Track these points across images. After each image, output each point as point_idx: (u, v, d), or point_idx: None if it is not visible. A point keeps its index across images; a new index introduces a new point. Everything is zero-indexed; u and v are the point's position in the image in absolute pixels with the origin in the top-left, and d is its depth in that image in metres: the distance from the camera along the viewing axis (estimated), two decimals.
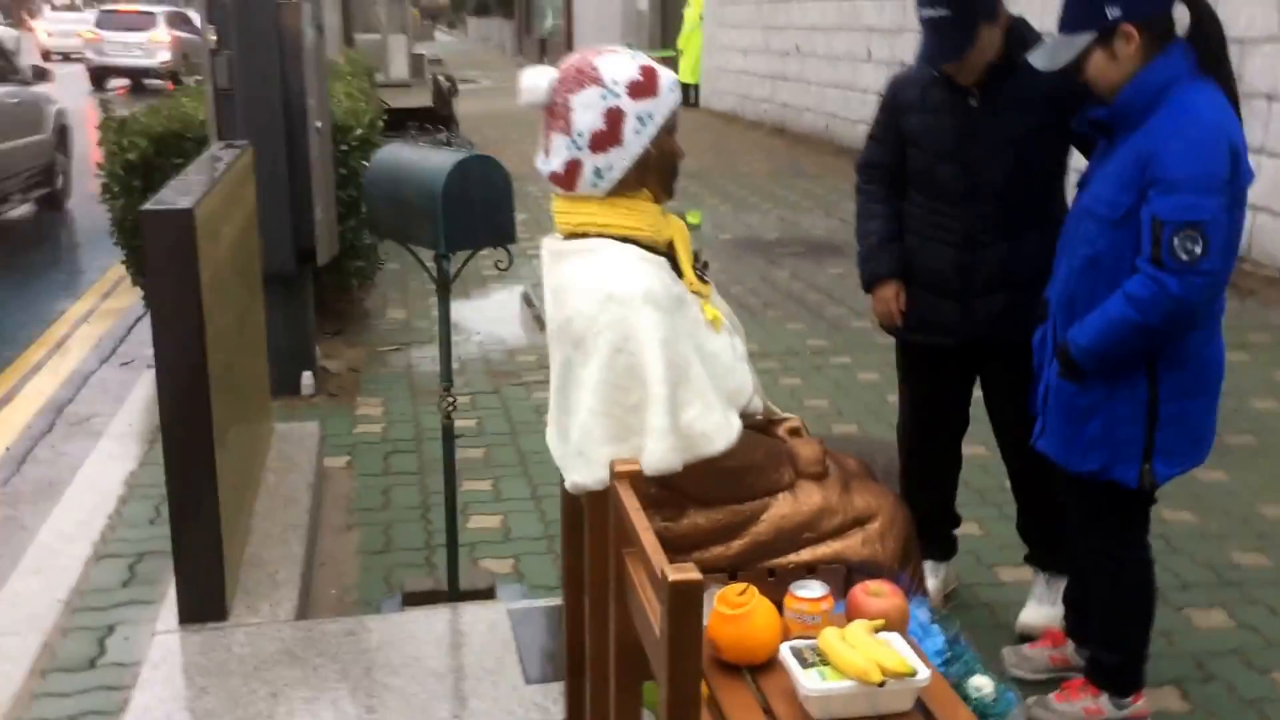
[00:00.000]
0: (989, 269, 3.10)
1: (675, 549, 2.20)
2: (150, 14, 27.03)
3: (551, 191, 2.35)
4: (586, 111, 2.22)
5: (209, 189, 3.40)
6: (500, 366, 5.97)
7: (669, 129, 2.29)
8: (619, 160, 2.24)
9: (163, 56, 25.46)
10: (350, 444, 4.96)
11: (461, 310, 7.01)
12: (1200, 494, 4.25)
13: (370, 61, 13.60)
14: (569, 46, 32.32)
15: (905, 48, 12.40)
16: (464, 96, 17.29)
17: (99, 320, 7.37)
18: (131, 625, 3.54)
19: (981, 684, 2.11)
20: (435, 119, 14.21)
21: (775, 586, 2.15)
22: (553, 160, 2.29)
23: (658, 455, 2.15)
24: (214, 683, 2.95)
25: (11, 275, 8.59)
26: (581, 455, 2.21)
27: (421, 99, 15.22)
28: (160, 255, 3.11)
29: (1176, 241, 2.46)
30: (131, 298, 7.72)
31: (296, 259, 5.32)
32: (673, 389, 2.17)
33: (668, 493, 2.26)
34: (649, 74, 2.26)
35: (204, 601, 3.25)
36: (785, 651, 1.87)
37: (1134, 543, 2.83)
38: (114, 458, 4.95)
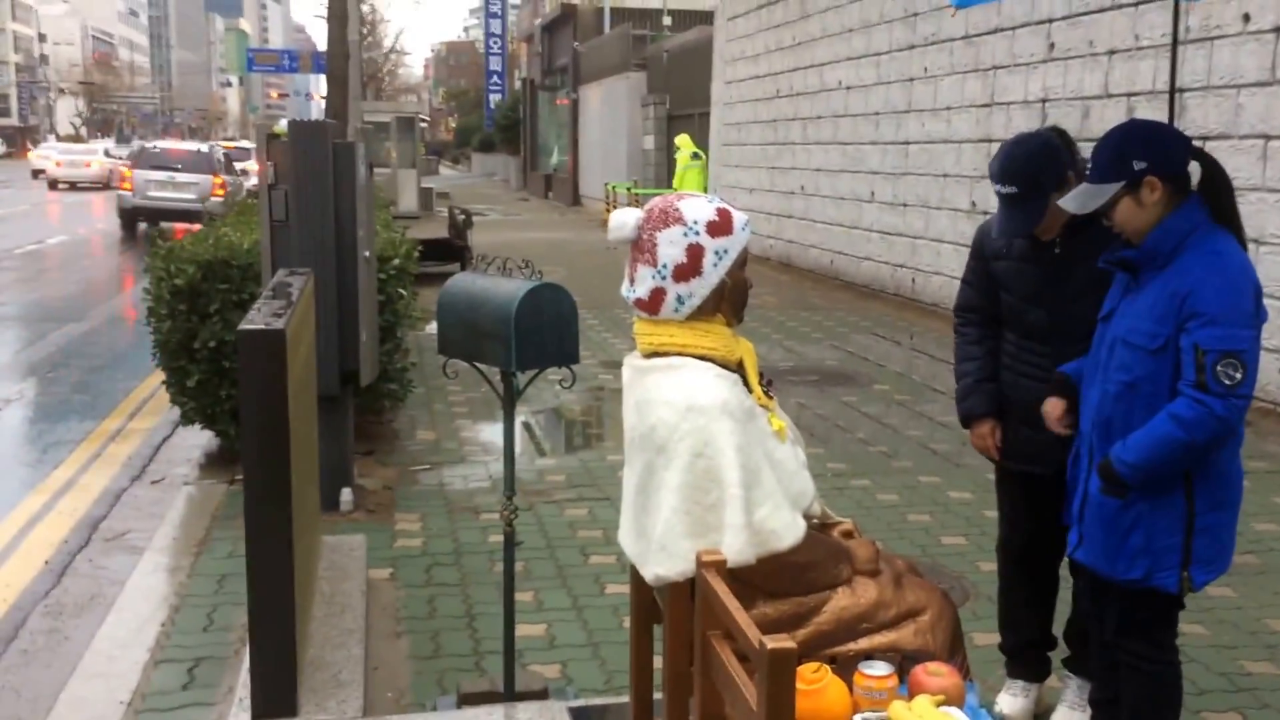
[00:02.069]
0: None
1: None
2: (203, 153, 24.79)
3: (636, 316, 2.65)
4: (671, 247, 2.54)
5: (291, 312, 3.68)
6: (531, 485, 6.20)
7: (741, 263, 2.61)
8: (699, 289, 2.55)
9: (213, 199, 22.56)
10: (392, 557, 5.16)
11: (480, 434, 7.28)
12: (1210, 609, 4.48)
13: (383, 195, 14.10)
14: (574, 183, 33.21)
15: (907, 190, 12.93)
16: (476, 228, 17.80)
17: (125, 440, 7.60)
18: None
19: None
20: (451, 251, 14.72)
21: (838, 672, 2.37)
22: (638, 288, 2.59)
23: (735, 549, 2.41)
24: None
25: (39, 396, 8.86)
26: (664, 549, 2.46)
27: (436, 231, 15.69)
28: (254, 372, 3.37)
29: (1220, 368, 2.76)
30: (156, 419, 7.97)
31: (341, 380, 5.60)
32: (746, 490, 2.44)
33: (739, 585, 2.50)
34: (725, 215, 2.58)
35: (277, 698, 3.44)
36: None
37: (1168, 646, 3.07)
38: (161, 569, 5.15)
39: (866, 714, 2.11)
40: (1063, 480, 3.27)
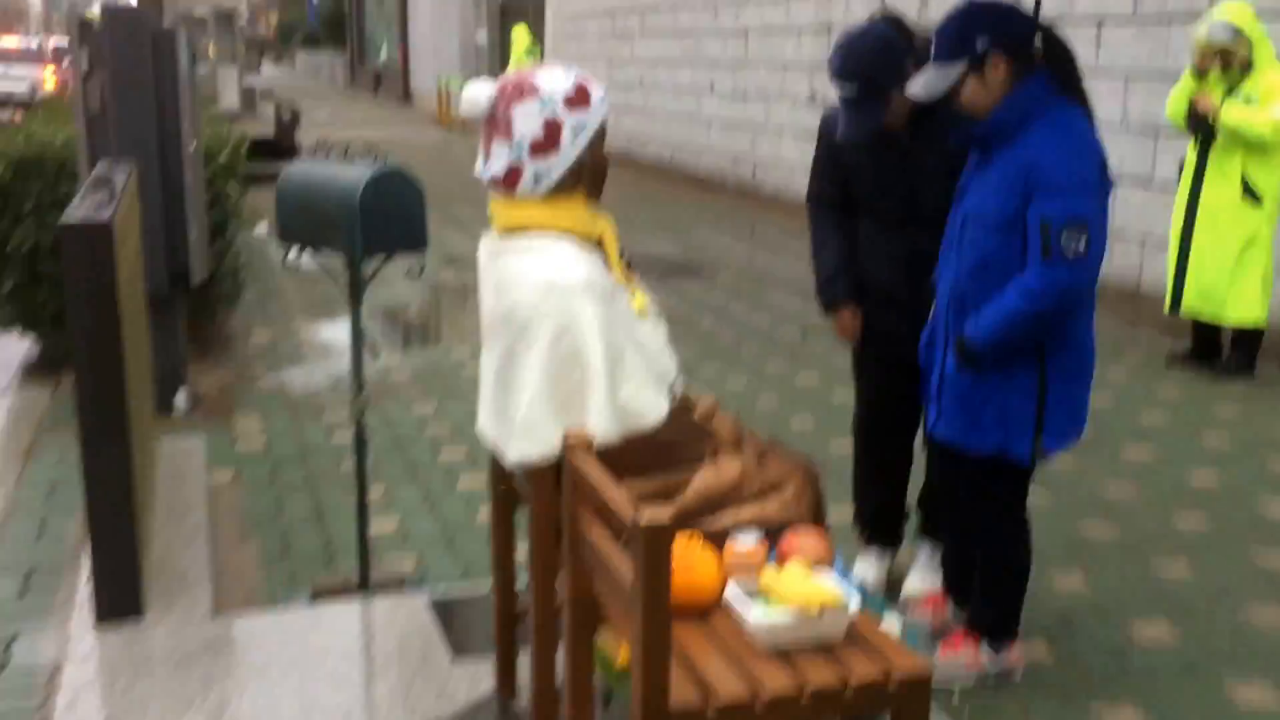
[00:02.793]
0: (932, 283, 3.37)
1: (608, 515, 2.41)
2: (32, 49, 26.34)
3: (491, 194, 2.55)
4: (527, 121, 2.43)
5: (115, 205, 3.46)
6: (375, 384, 6.06)
7: (600, 137, 2.52)
8: (557, 165, 2.46)
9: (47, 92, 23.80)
10: (234, 460, 4.99)
11: (318, 334, 7.09)
12: (1051, 478, 4.66)
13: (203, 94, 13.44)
14: (405, 79, 32.23)
15: (747, 80, 12.92)
16: (304, 127, 17.15)
17: None
18: (35, 633, 3.54)
19: (890, 623, 2.38)
20: (277, 151, 14.13)
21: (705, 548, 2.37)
22: (494, 165, 2.49)
23: (600, 429, 2.36)
24: (141, 675, 3.01)
25: None
26: (528, 432, 2.40)
27: (261, 130, 15.06)
28: (80, 269, 3.17)
29: (1066, 238, 2.80)
30: None
31: (170, 280, 5.35)
32: (611, 370, 2.39)
33: (604, 465, 2.46)
34: (582, 88, 2.48)
35: (122, 599, 3.30)
36: (732, 592, 2.10)
37: (1019, 512, 3.17)
38: None
39: (741, 584, 2.11)
40: (918, 361, 3.33)
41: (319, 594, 3.59)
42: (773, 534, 2.48)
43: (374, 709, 2.89)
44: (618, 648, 2.49)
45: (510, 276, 2.47)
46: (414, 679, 3.01)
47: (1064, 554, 4.06)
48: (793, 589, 2.03)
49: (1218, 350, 6.45)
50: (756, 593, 2.08)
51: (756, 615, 2.01)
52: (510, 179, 2.47)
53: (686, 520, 2.51)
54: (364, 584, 3.62)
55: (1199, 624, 3.62)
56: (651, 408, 2.45)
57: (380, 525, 4.30)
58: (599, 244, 2.56)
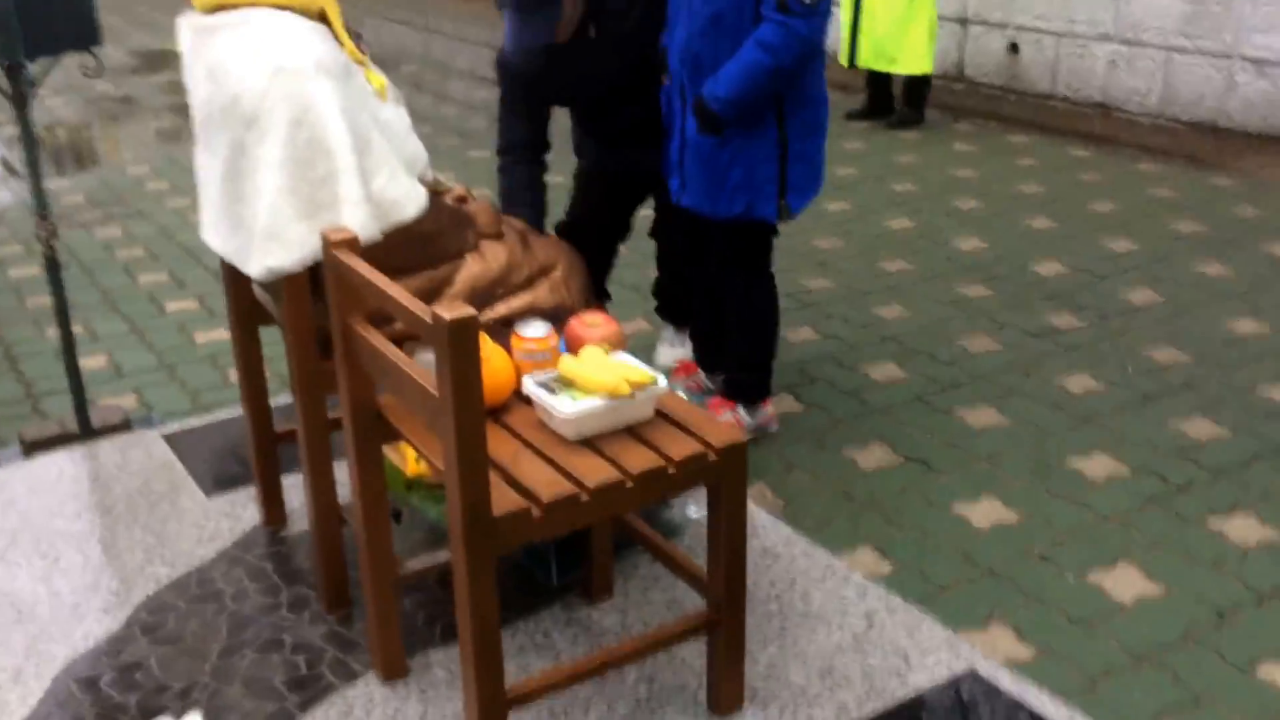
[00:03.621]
0: (663, 47, 3.14)
1: (378, 320, 2.23)
2: None
3: None
4: None
5: None
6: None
7: None
8: None
9: None
10: None
11: None
12: None
13: None
14: None
15: None
16: None
17: None
18: None
19: (678, 395, 2.35)
20: None
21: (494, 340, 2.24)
22: None
23: (357, 224, 2.15)
24: None
25: None
26: (274, 237, 2.15)
27: None
28: None
29: None
30: None
31: None
32: (359, 158, 2.16)
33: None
34: None
35: None
36: (530, 385, 1.99)
37: (766, 271, 3.19)
38: None
39: (537, 376, 2.01)
40: (644, 181, 3.25)
41: (33, 446, 3.23)
42: (552, 321, 2.38)
43: (126, 564, 2.63)
44: (403, 459, 2.37)
45: (227, 60, 2.16)
46: (167, 523, 2.77)
47: (792, 309, 4.18)
48: (599, 374, 1.95)
49: (891, 102, 6.77)
50: (557, 383, 1.98)
51: (565, 405, 1.92)
52: None
53: None
54: (85, 429, 3.28)
55: (922, 359, 3.84)
56: (410, 197, 2.26)
57: (87, 363, 3.89)
58: (322, 18, 2.28)
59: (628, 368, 1.99)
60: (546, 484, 1.84)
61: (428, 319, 1.69)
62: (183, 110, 8.10)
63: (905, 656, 2.31)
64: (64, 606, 2.49)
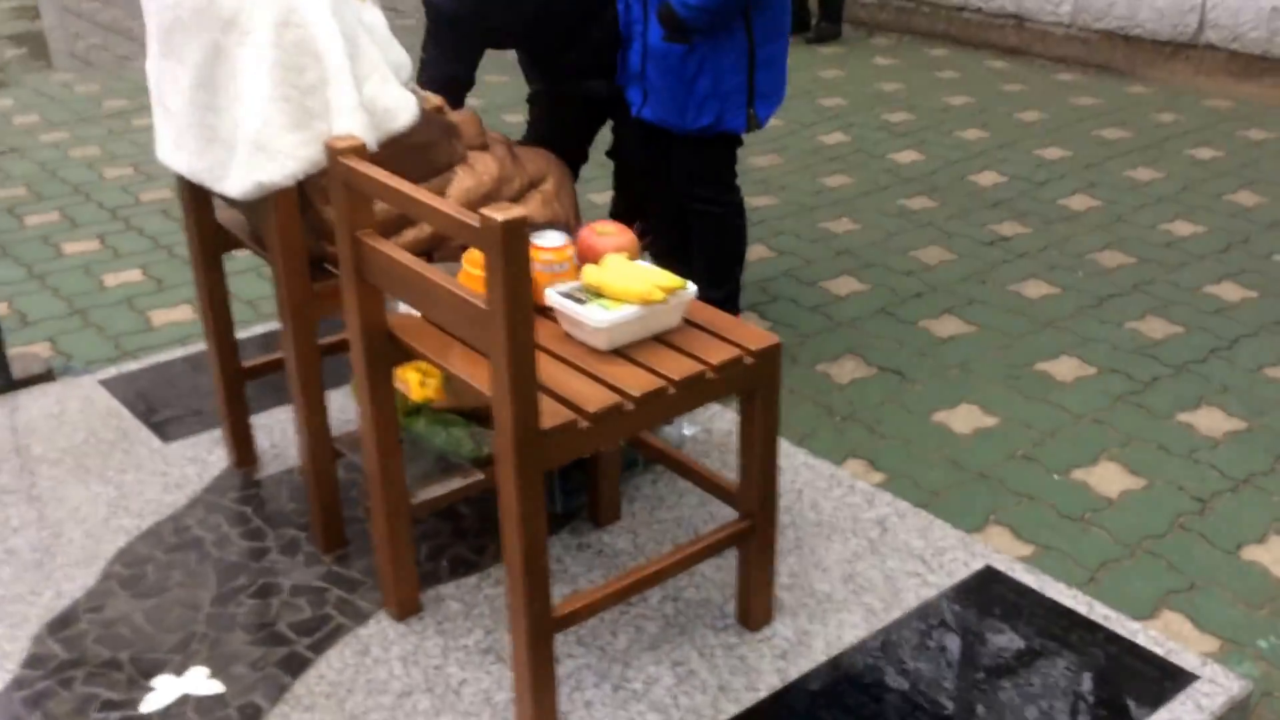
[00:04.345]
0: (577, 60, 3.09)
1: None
2: None
3: None
4: None
5: None
6: None
7: None
8: None
9: None
10: None
11: None
12: None
13: None
14: None
15: None
16: None
17: None
18: None
19: None
20: None
21: None
22: None
23: (353, 133, 1.99)
24: None
25: None
26: (262, 149, 1.98)
27: None
28: None
29: None
30: None
31: None
32: (351, 62, 2.00)
33: None
34: None
35: None
36: (554, 297, 1.87)
37: (733, 184, 3.10)
38: None
39: (559, 287, 1.89)
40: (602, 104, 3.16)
41: None
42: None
43: (87, 517, 2.44)
44: (406, 385, 2.23)
45: None
46: (124, 473, 2.58)
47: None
48: (629, 282, 1.84)
49: (808, 17, 6.71)
50: (584, 292, 1.87)
51: (597, 315, 1.81)
52: None
53: None
54: (5, 380, 3.04)
55: (878, 270, 3.80)
56: (401, 105, 2.10)
57: None
58: None
59: (656, 272, 1.89)
60: (590, 395, 1.73)
61: (474, 223, 1.56)
62: (36, 37, 7.58)
63: (922, 558, 2.27)
64: (26, 565, 2.30)
